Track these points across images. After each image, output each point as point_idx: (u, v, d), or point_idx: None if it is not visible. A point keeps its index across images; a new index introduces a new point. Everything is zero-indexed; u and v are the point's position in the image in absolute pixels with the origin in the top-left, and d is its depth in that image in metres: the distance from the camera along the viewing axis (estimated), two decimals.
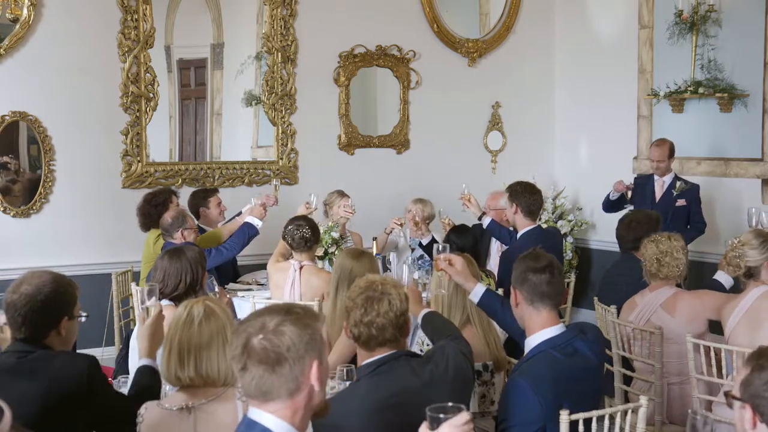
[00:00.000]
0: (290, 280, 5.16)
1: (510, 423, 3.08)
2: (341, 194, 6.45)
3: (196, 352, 2.81)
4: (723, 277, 4.77)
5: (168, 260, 4.04)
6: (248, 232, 5.79)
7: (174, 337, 2.85)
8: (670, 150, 6.68)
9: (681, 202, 6.60)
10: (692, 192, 6.64)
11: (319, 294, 4.91)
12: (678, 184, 6.64)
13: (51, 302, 2.90)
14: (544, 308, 3.15)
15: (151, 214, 5.95)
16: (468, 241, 5.37)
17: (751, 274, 4.15)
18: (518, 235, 5.51)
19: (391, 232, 6.39)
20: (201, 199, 6.33)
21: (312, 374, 2.06)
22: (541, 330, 3.15)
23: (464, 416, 2.06)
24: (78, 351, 3.67)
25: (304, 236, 5.17)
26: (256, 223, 5.81)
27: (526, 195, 5.45)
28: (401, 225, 6.32)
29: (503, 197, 5.89)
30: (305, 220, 5.32)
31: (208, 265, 5.15)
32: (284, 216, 6.49)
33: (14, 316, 2.88)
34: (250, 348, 2.04)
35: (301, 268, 5.16)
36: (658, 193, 6.71)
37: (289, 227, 5.24)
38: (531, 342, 3.18)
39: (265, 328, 2.05)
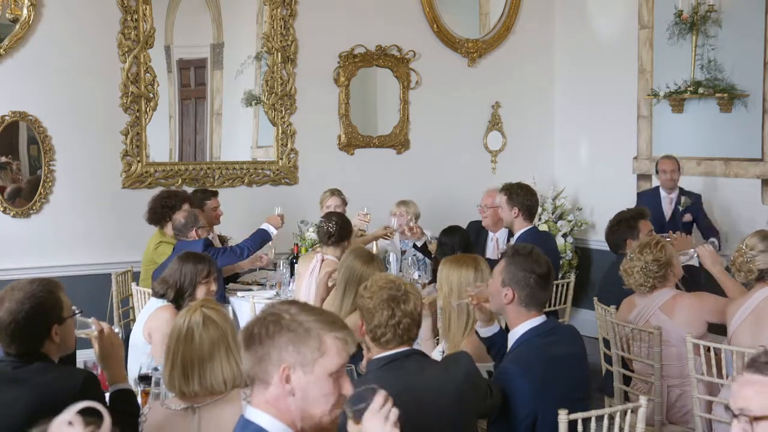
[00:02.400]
0: (310, 269, 5.27)
1: (502, 411, 3.10)
2: (332, 193, 6.48)
3: (200, 366, 2.77)
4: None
5: (183, 261, 4.14)
6: (262, 236, 5.88)
7: (176, 353, 2.80)
8: (679, 163, 6.71)
9: (687, 218, 6.59)
10: (696, 205, 6.62)
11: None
12: (683, 199, 6.62)
13: (34, 315, 2.83)
14: (534, 309, 3.28)
15: (157, 212, 5.99)
16: (457, 240, 5.39)
17: (762, 277, 4.12)
18: (516, 237, 5.55)
19: (361, 234, 6.38)
20: (199, 200, 6.33)
21: (281, 377, 2.02)
22: (525, 321, 3.27)
23: (381, 397, 1.99)
24: (79, 351, 3.65)
25: (328, 230, 5.30)
26: (271, 230, 5.89)
27: (527, 197, 5.49)
28: (390, 236, 6.30)
29: (499, 195, 5.88)
30: (337, 216, 5.44)
31: (220, 264, 5.34)
32: (291, 218, 6.51)
33: (1, 336, 2.84)
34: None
35: (322, 260, 5.26)
36: (667, 211, 6.68)
37: (321, 219, 5.42)
38: (515, 333, 3.28)
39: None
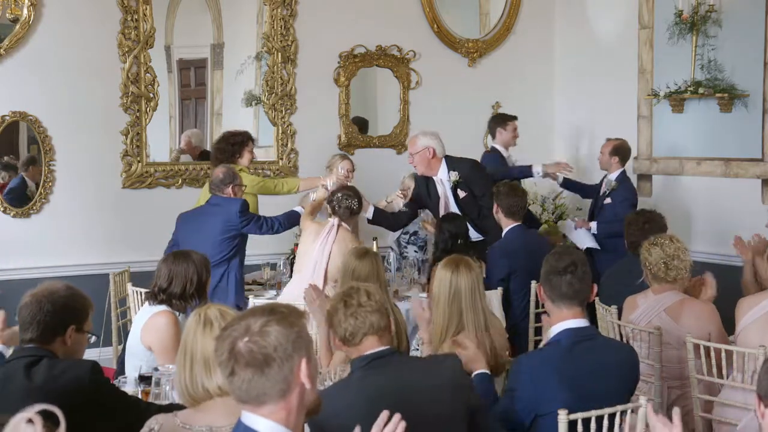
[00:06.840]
0: (325, 233, 5.21)
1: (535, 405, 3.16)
2: (342, 157, 6.50)
3: None
4: None
5: (173, 262, 3.99)
6: (293, 216, 5.80)
7: (194, 346, 2.64)
8: (613, 147, 6.71)
9: (607, 201, 6.66)
10: (621, 193, 6.60)
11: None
12: (613, 183, 6.65)
13: (61, 307, 2.96)
14: (564, 306, 3.34)
15: (225, 150, 6.07)
16: (462, 227, 5.54)
17: None
18: (504, 233, 5.73)
19: (391, 201, 6.45)
20: (501, 122, 7.09)
21: (302, 372, 2.03)
22: (561, 322, 3.35)
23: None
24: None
25: (351, 207, 5.30)
26: (301, 210, 5.82)
27: (508, 197, 5.70)
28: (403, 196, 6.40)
29: (419, 139, 6.15)
30: (354, 192, 5.42)
31: (249, 231, 5.44)
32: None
33: (24, 317, 2.94)
34: (236, 352, 2.00)
35: (339, 225, 5.22)
36: (603, 190, 6.79)
37: (338, 194, 5.34)
38: (553, 331, 3.38)
39: (249, 330, 2.01)
